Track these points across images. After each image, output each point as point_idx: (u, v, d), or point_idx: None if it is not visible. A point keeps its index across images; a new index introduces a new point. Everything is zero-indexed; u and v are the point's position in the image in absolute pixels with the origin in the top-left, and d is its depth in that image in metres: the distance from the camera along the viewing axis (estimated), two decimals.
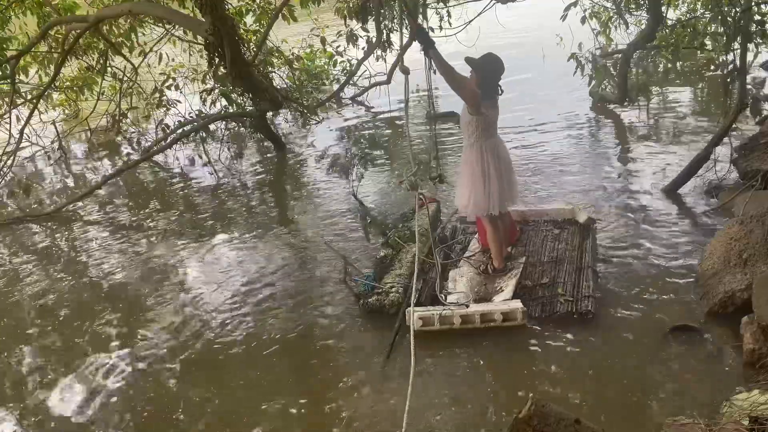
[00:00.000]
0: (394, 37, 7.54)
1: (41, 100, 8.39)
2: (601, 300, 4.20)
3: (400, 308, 4.24)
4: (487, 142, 4.20)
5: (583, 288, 4.25)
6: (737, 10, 5.29)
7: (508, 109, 8.52)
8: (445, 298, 4.18)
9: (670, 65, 9.32)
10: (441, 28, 7.92)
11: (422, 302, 4.30)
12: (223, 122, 8.74)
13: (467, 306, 4.09)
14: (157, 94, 8.77)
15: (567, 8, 6.95)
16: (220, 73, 6.90)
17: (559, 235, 4.95)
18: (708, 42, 8.03)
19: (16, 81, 7.64)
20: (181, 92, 9.05)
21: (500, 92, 4.19)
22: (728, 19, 5.45)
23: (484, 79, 4.12)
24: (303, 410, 3.64)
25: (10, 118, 7.95)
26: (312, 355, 4.14)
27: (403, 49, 4.55)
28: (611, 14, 8.47)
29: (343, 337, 4.24)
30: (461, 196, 4.44)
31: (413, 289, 3.94)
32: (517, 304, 4.06)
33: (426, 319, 4.03)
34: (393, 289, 4.39)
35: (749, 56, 5.68)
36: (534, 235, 5.00)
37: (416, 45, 4.08)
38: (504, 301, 4.16)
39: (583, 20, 8.03)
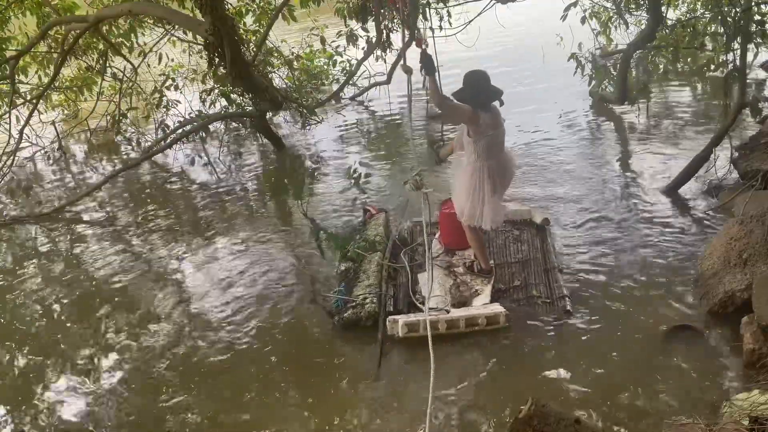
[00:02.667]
0: (394, 37, 7.54)
1: (41, 101, 8.38)
2: (600, 300, 4.21)
3: (378, 318, 4.23)
4: (489, 162, 4.09)
5: (555, 289, 4.31)
6: (737, 10, 5.29)
7: (508, 109, 8.58)
8: (423, 304, 4.22)
9: (670, 65, 9.32)
10: (441, 28, 7.92)
11: (401, 309, 4.32)
12: (223, 122, 8.73)
13: (447, 311, 4.12)
14: (156, 95, 8.77)
15: (567, 8, 6.95)
16: (220, 73, 6.89)
17: (520, 236, 5.00)
18: (708, 42, 8.03)
19: (16, 81, 7.64)
20: (180, 92, 9.04)
21: (500, 103, 4.07)
22: (728, 19, 5.45)
23: (470, 90, 3.99)
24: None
25: (9, 118, 7.95)
26: (298, 375, 4.04)
27: (404, 48, 4.55)
28: (611, 14, 8.47)
29: (325, 355, 4.16)
30: (457, 202, 4.41)
31: (423, 292, 3.94)
32: (499, 307, 4.10)
33: (411, 326, 4.03)
34: (367, 300, 4.36)
35: (749, 56, 5.68)
36: (495, 237, 5.01)
37: (415, 45, 4.06)
38: (485, 305, 4.20)
39: (583, 20, 8.03)
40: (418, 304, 4.28)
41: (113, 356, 4.44)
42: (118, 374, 4.25)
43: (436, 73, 3.92)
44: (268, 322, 4.57)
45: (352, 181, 5.00)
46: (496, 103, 4.07)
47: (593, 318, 4.10)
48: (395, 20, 7.21)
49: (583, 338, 3.93)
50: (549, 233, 5.01)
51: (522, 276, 4.54)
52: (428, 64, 3.83)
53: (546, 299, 4.25)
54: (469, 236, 4.46)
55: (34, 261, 6.21)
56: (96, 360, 4.44)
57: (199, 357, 4.30)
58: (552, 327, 4.06)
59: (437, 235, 5.04)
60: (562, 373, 3.65)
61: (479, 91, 3.97)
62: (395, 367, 3.94)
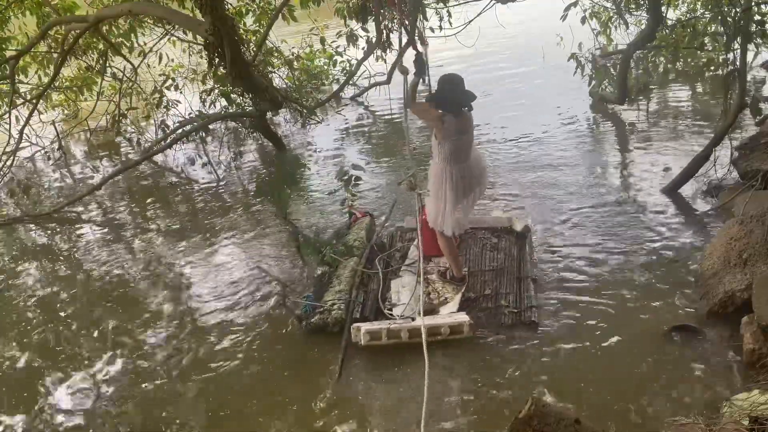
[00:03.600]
0: (394, 37, 7.54)
1: (41, 101, 8.38)
2: (599, 300, 4.21)
3: (344, 325, 4.21)
4: (455, 167, 4.06)
5: (525, 299, 4.29)
6: (737, 10, 5.28)
7: (507, 109, 8.61)
8: (391, 310, 4.22)
9: (670, 65, 9.32)
10: (441, 28, 7.92)
11: (366, 316, 4.30)
12: (223, 122, 8.73)
13: (413, 319, 4.09)
14: (156, 95, 8.77)
15: (567, 8, 6.95)
16: (220, 73, 6.89)
17: (497, 245, 4.95)
18: (708, 42, 8.03)
19: (16, 81, 7.64)
20: (180, 92, 9.04)
21: (469, 108, 4.03)
22: (728, 19, 5.45)
23: (440, 91, 3.98)
24: None
25: (9, 118, 7.95)
26: (265, 381, 4.02)
27: (403, 50, 4.56)
28: (611, 14, 8.47)
29: (290, 361, 4.15)
30: (429, 206, 4.39)
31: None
32: (464, 317, 4.07)
33: (374, 334, 4.01)
34: (335, 306, 4.35)
35: (749, 56, 5.68)
36: (473, 245, 4.98)
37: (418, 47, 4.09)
38: (450, 314, 4.18)
39: (583, 20, 8.03)
40: (386, 312, 4.27)
41: (111, 357, 4.44)
42: (117, 375, 4.25)
43: (425, 76, 4.01)
44: (242, 325, 4.58)
45: (342, 183, 4.98)
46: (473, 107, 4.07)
47: (589, 318, 4.09)
48: (395, 20, 7.21)
49: (578, 337, 3.93)
50: (529, 241, 4.96)
51: (494, 285, 4.49)
52: (419, 67, 3.90)
53: (514, 309, 4.20)
54: (440, 243, 4.42)
55: (33, 261, 6.21)
56: (95, 360, 4.44)
57: (198, 354, 4.31)
58: (555, 329, 4.06)
59: (416, 242, 5.01)
60: (561, 372, 3.64)
61: (447, 95, 3.95)
62: (358, 375, 3.91)
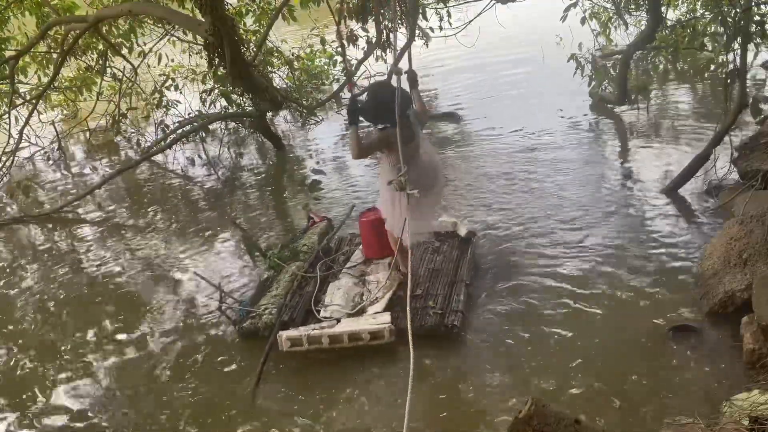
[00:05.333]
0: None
1: (40, 101, 8.38)
2: (598, 299, 4.21)
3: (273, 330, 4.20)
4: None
5: (453, 302, 4.27)
6: (737, 10, 5.29)
7: (507, 109, 8.61)
8: (319, 313, 4.25)
9: (670, 66, 9.32)
10: (441, 28, 7.92)
11: (294, 318, 4.31)
12: (223, 122, 8.74)
13: (338, 321, 4.12)
14: (156, 95, 8.77)
15: (567, 8, 6.95)
16: (220, 73, 6.90)
17: (439, 248, 4.95)
18: (708, 42, 8.02)
19: (16, 81, 7.64)
20: (180, 92, 9.04)
21: (395, 121, 3.79)
22: (728, 19, 5.45)
23: (372, 105, 3.99)
24: None
25: (9, 118, 7.95)
26: (182, 387, 4.05)
27: (401, 52, 4.57)
28: (611, 15, 8.48)
29: (218, 366, 4.19)
30: (386, 214, 4.39)
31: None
32: (387, 320, 4.07)
33: (294, 340, 4.02)
34: (266, 311, 4.36)
35: (749, 56, 5.68)
36: (416, 248, 4.94)
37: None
38: (374, 314, 4.20)
39: (583, 21, 8.03)
40: (316, 314, 4.31)
41: (110, 357, 4.46)
42: (116, 376, 4.27)
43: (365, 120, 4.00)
44: (175, 331, 4.66)
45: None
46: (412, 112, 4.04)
47: (588, 318, 4.09)
48: (398, 19, 7.21)
49: (577, 337, 3.92)
50: (473, 246, 4.94)
51: (425, 286, 4.48)
52: (352, 115, 3.91)
53: (438, 311, 4.17)
54: (391, 240, 4.45)
55: (33, 261, 6.21)
56: (94, 361, 4.45)
57: (196, 355, 4.32)
58: (552, 327, 4.06)
59: (360, 246, 5.05)
60: (561, 373, 3.64)
61: (384, 104, 3.86)
62: (286, 380, 3.94)
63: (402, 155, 3.77)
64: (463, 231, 5.05)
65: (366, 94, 3.97)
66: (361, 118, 3.99)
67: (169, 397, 3.98)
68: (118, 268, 5.79)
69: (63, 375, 4.34)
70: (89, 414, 3.92)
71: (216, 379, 4.06)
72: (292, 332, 4.06)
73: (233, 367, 4.15)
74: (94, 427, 3.81)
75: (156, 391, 4.05)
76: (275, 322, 4.25)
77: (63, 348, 4.67)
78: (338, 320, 4.15)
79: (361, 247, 5.04)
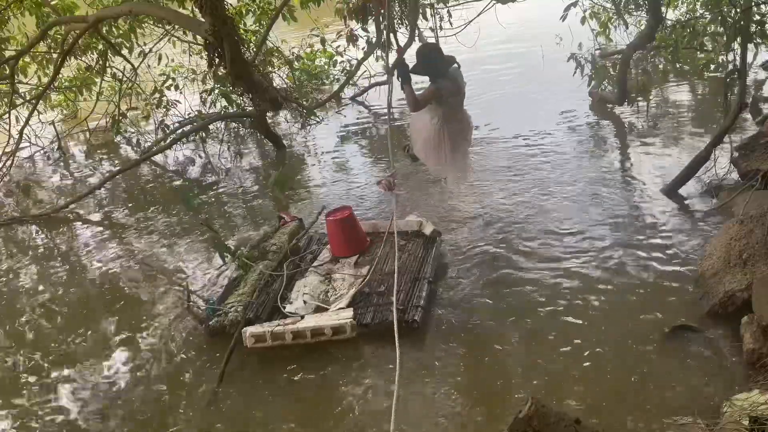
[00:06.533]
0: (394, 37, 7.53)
1: (40, 101, 8.38)
2: (598, 299, 4.21)
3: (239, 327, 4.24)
4: (448, 125, 4.51)
5: (415, 298, 4.33)
6: (737, 10, 5.29)
7: (506, 109, 8.61)
8: (285, 309, 4.32)
9: (669, 65, 9.31)
10: (441, 28, 7.91)
11: (259, 315, 4.36)
12: (223, 122, 8.74)
13: (302, 317, 4.18)
14: (156, 95, 8.77)
15: (567, 8, 6.95)
16: (220, 73, 6.89)
17: (405, 246, 5.01)
18: (708, 42, 8.02)
19: (16, 81, 7.64)
20: (180, 92, 9.04)
21: (449, 72, 4.37)
22: (728, 19, 5.45)
23: (423, 62, 4.37)
24: None
25: (9, 118, 7.95)
26: (147, 386, 4.09)
27: (401, 52, 4.59)
28: (611, 14, 8.47)
29: (184, 364, 4.22)
30: (421, 156, 4.81)
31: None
32: (347, 317, 4.13)
33: (258, 336, 4.06)
34: (232, 309, 4.39)
35: (749, 56, 5.68)
36: (381, 245, 5.01)
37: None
38: (336, 310, 4.26)
39: (583, 20, 8.02)
40: (282, 309, 4.36)
41: (110, 358, 4.45)
42: (116, 376, 4.26)
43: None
44: (146, 329, 4.69)
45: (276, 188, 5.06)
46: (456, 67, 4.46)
47: (588, 319, 4.09)
48: (399, 18, 7.22)
49: (577, 338, 3.92)
50: (437, 246, 4.99)
51: (389, 282, 4.50)
52: (403, 74, 4.23)
53: (400, 306, 4.17)
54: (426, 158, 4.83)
55: (33, 261, 6.21)
56: (94, 361, 4.44)
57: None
58: (550, 326, 4.06)
59: (328, 246, 5.14)
60: (561, 372, 3.64)
61: (432, 62, 4.36)
62: (250, 378, 3.97)
63: (453, 105, 4.45)
64: (428, 230, 5.14)
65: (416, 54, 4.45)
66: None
67: (126, 397, 4.00)
68: (100, 267, 5.80)
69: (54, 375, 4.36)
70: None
71: (177, 378, 4.08)
72: (257, 328, 4.13)
73: (197, 364, 4.19)
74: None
75: (115, 392, 4.08)
76: (242, 319, 4.30)
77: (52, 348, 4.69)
78: (302, 317, 4.21)
79: (328, 245, 5.12)
